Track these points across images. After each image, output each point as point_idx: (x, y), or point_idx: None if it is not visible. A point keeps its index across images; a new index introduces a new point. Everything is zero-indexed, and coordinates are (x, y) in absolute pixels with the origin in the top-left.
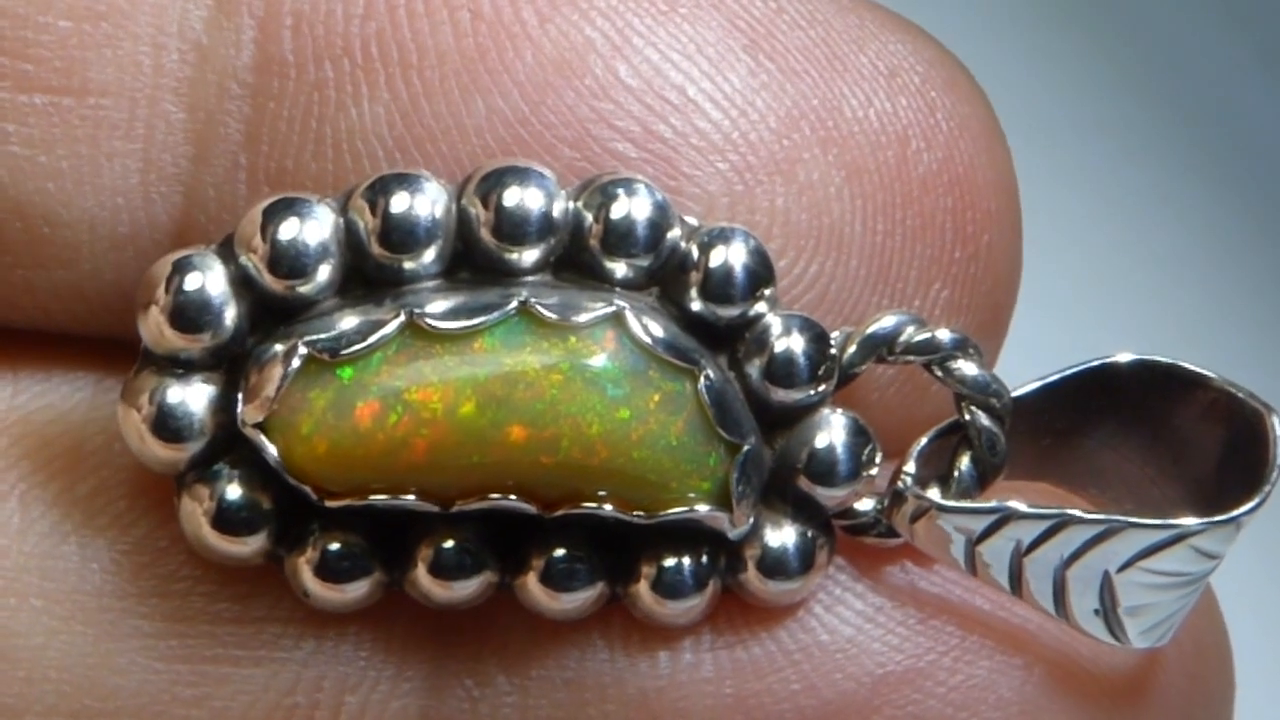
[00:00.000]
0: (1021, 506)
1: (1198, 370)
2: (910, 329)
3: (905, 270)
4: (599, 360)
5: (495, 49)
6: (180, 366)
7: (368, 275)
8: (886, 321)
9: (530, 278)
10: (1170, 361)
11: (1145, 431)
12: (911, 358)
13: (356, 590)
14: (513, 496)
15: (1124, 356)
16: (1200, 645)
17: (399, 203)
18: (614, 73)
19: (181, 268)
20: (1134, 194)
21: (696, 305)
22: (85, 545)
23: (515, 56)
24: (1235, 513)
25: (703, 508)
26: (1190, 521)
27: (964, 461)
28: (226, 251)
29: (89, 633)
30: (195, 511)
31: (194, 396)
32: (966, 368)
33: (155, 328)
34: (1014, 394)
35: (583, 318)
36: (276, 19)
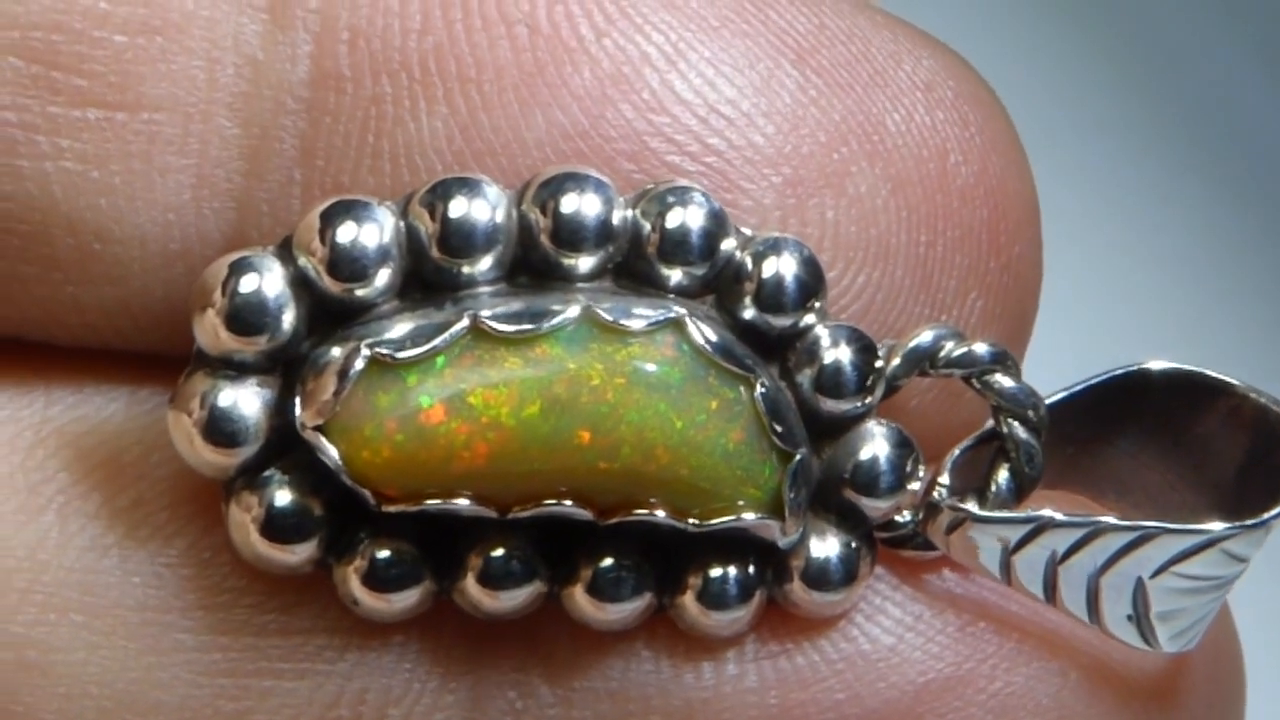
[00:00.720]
0: (1057, 515)
1: (1222, 378)
2: (950, 343)
3: (946, 280)
4: (660, 365)
5: (553, 63)
6: (234, 369)
7: (425, 279)
8: (927, 335)
9: (588, 284)
10: (1197, 370)
11: (1167, 439)
12: (952, 371)
13: (406, 599)
14: (568, 502)
15: (1156, 364)
16: (1216, 647)
17: (458, 207)
18: (669, 86)
19: (239, 269)
20: (1134, 194)
21: (750, 314)
22: (126, 559)
23: (573, 71)
24: (1267, 516)
25: (752, 515)
26: (1222, 527)
27: (1001, 474)
28: (285, 253)
29: (131, 647)
30: (244, 519)
31: (247, 400)
32: (1004, 380)
33: (211, 329)
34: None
35: (643, 323)
36: (333, 33)
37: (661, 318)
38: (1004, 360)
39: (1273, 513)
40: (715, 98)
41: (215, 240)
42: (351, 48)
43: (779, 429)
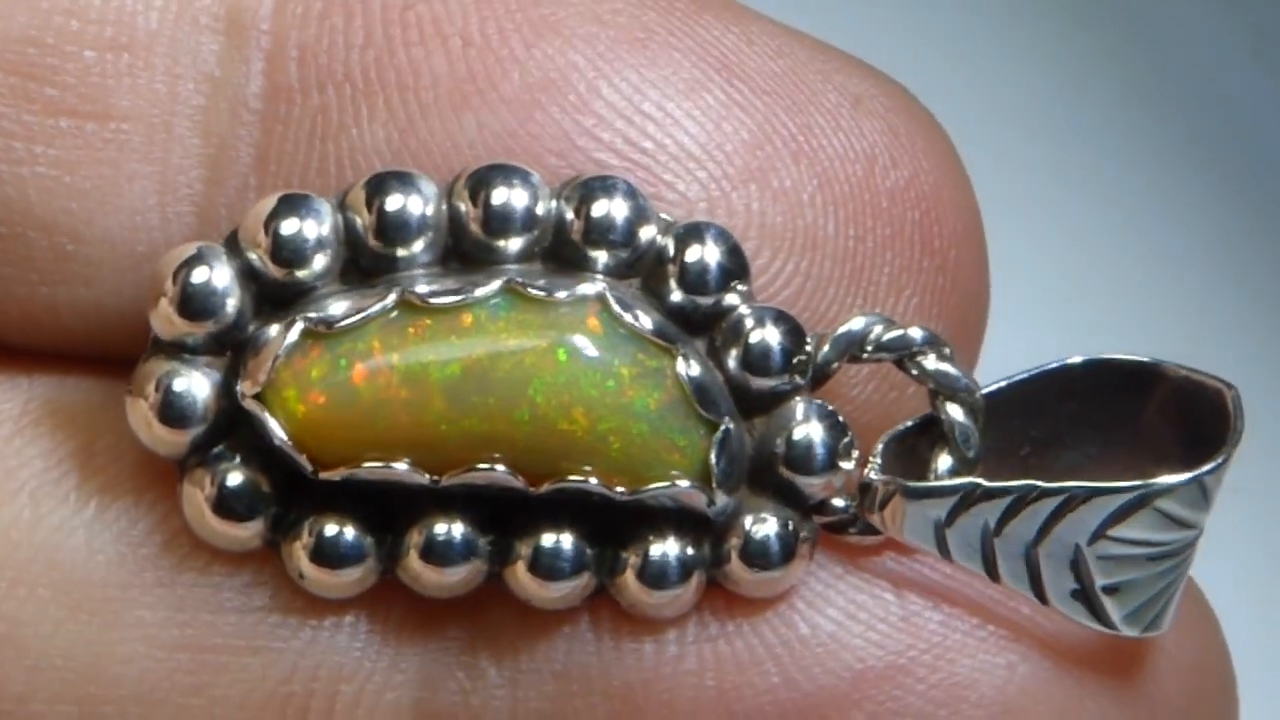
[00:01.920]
0: (982, 481)
1: (1151, 361)
2: (879, 327)
3: (877, 275)
4: (580, 334)
5: (485, 71)
6: (187, 352)
7: (363, 267)
8: (856, 321)
9: (518, 265)
10: (1122, 356)
11: (1117, 431)
12: (883, 355)
13: (350, 575)
14: (500, 468)
15: (1076, 358)
16: (1196, 632)
17: (393, 200)
18: (596, 90)
19: (189, 260)
20: (1131, 193)
21: (675, 295)
22: (93, 538)
23: (503, 77)
24: (1196, 472)
25: (683, 483)
26: (1151, 481)
27: (941, 459)
28: (232, 244)
29: (94, 622)
30: (196, 496)
31: (197, 382)
32: (938, 364)
33: (164, 316)
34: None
35: (565, 294)
36: (283, 50)
37: (584, 290)
38: (937, 344)
39: (1203, 468)
40: (640, 100)
41: (178, 242)
42: (300, 63)
43: (703, 400)
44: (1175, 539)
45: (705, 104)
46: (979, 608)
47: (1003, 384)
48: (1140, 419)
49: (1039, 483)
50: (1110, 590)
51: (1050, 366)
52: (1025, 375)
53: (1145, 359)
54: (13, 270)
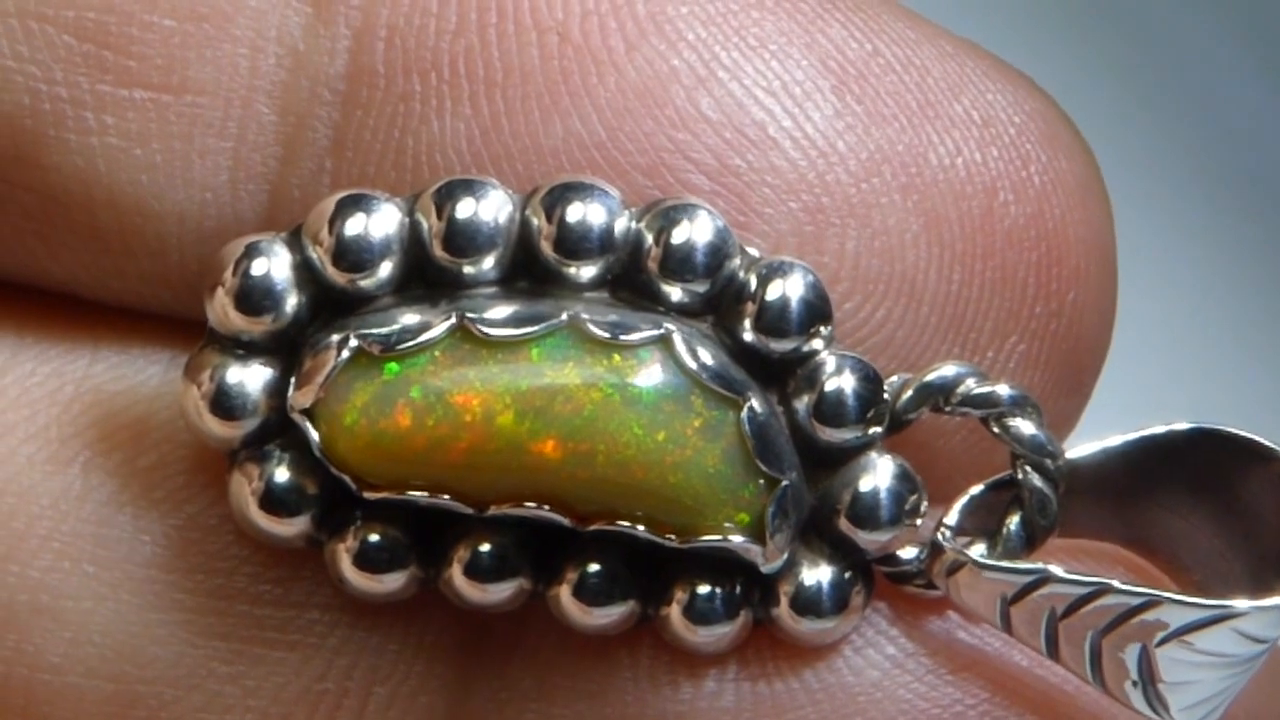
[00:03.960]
0: (1058, 571)
1: (1257, 440)
2: (970, 381)
3: (980, 321)
4: (641, 380)
5: (579, 73)
6: (242, 348)
7: (428, 277)
8: (946, 371)
9: (587, 294)
10: (1228, 431)
11: (1214, 501)
12: (968, 410)
13: (392, 582)
14: (546, 507)
15: (1182, 425)
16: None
17: (464, 208)
18: (695, 104)
19: (249, 253)
20: (1130, 195)
21: (749, 336)
22: (139, 517)
23: (598, 81)
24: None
25: (737, 538)
26: (1232, 603)
27: (1013, 521)
28: (294, 240)
29: (134, 602)
30: (244, 489)
31: (251, 377)
32: (1023, 426)
33: (220, 308)
34: (1069, 455)
35: (630, 337)
36: (371, 30)
37: (649, 334)
38: (1024, 405)
39: None
40: (741, 119)
41: (249, 220)
42: (388, 45)
43: (764, 453)
44: (1246, 653)
45: (812, 125)
46: (1023, 669)
47: (1093, 449)
48: (1242, 494)
49: (1114, 582)
50: (1173, 688)
51: (1151, 433)
52: (1126, 441)
53: (1256, 438)
54: (78, 238)
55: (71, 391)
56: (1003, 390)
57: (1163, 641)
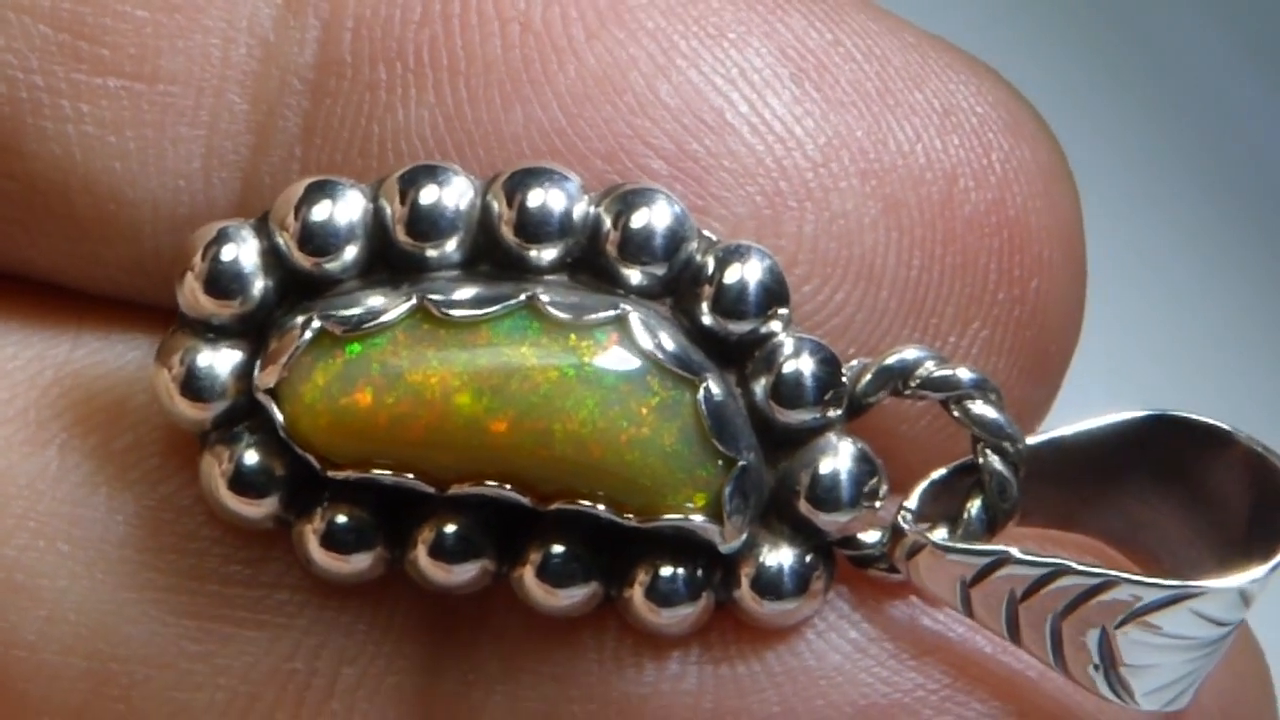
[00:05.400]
0: (1015, 552)
1: (1215, 424)
2: (930, 364)
3: (941, 306)
4: (597, 360)
5: (540, 60)
6: (212, 331)
7: (392, 261)
8: (906, 354)
9: (548, 277)
10: (1185, 416)
11: (1180, 489)
12: (927, 393)
13: (358, 563)
14: (507, 486)
15: (1139, 412)
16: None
17: (427, 194)
18: (654, 91)
19: (218, 238)
20: (1127, 196)
21: (707, 318)
22: (114, 497)
23: (559, 69)
24: (1238, 580)
25: (696, 518)
26: (1189, 583)
27: (975, 504)
28: (262, 226)
29: (108, 581)
30: (214, 470)
31: (221, 360)
32: (983, 409)
33: (190, 292)
34: (1030, 442)
35: (587, 318)
36: (339, 21)
37: (606, 314)
38: (985, 388)
39: (1247, 577)
40: (699, 105)
41: (223, 208)
42: (355, 35)
43: (720, 434)
44: (1208, 635)
45: (770, 112)
46: (987, 655)
47: (1059, 434)
48: (1206, 480)
49: (1071, 562)
50: (1135, 671)
51: (1113, 420)
52: (1086, 427)
53: (1216, 423)
54: (58, 225)
55: (51, 375)
56: (963, 373)
57: (1122, 623)
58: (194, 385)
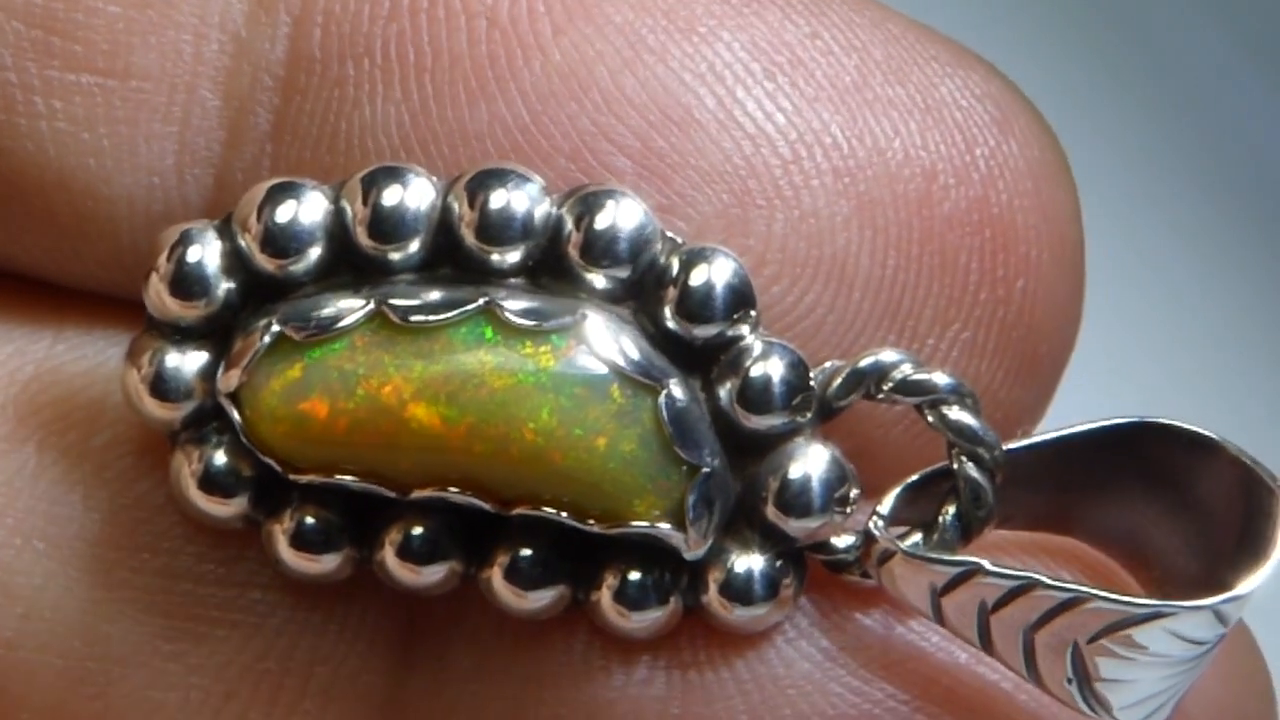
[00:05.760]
0: (986, 564)
1: (1201, 432)
2: (905, 367)
3: (919, 307)
4: (555, 366)
5: (505, 56)
6: (179, 333)
7: (355, 263)
8: (880, 357)
9: (509, 280)
10: (1171, 424)
11: (1168, 496)
12: (901, 397)
13: (327, 563)
14: (468, 492)
15: (1124, 419)
16: (1235, 666)
17: (388, 195)
18: (620, 87)
19: (182, 240)
20: (1126, 196)
21: (672, 323)
22: (90, 496)
23: (524, 65)
24: (1211, 600)
25: (661, 526)
26: (1160, 603)
27: (949, 511)
28: (225, 228)
29: (83, 579)
30: (183, 470)
31: (188, 362)
32: (958, 414)
33: (155, 294)
34: (1014, 446)
35: (546, 324)
36: (309, 16)
37: (564, 320)
38: (961, 393)
39: (1220, 597)
40: (666, 101)
41: (196, 204)
42: (324, 30)
43: (682, 440)
44: (1185, 654)
45: (741, 108)
46: (960, 666)
47: (1045, 438)
48: (1194, 488)
49: (1043, 577)
50: (1110, 686)
51: (1101, 425)
52: (1073, 432)
53: (1203, 431)
54: (36, 222)
55: (31, 371)
56: (938, 378)
57: (1094, 639)
58: (162, 386)
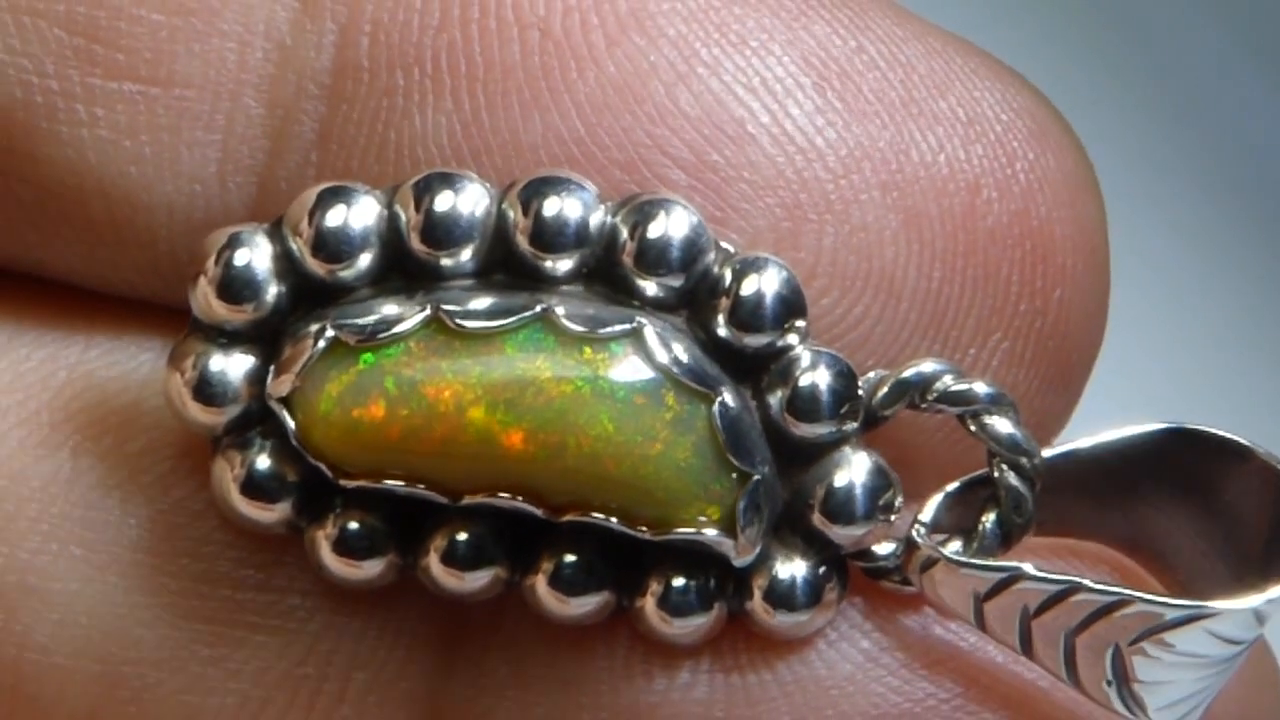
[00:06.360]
0: (1029, 569)
1: (1233, 439)
2: (947, 378)
3: (962, 319)
4: (612, 374)
5: (559, 68)
6: (224, 336)
7: (407, 269)
8: (923, 367)
9: (563, 287)
10: (1203, 430)
11: (1197, 501)
12: (944, 407)
13: (370, 569)
14: (519, 498)
15: (1158, 425)
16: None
17: (442, 201)
18: (674, 100)
19: (231, 243)
20: (1126, 196)
21: (724, 331)
22: (127, 501)
23: (578, 77)
24: (1253, 601)
25: (709, 532)
26: (1204, 604)
27: (989, 518)
28: (275, 231)
29: (120, 584)
30: (226, 475)
31: (233, 366)
32: (999, 424)
33: (203, 297)
34: (1046, 454)
35: (602, 330)
36: (357, 25)
37: (621, 327)
38: (1001, 402)
39: (1263, 597)
40: (719, 115)
41: (238, 213)
42: (372, 40)
43: (735, 448)
44: (1222, 654)
45: (791, 122)
46: (999, 665)
47: (1077, 446)
48: (1224, 494)
49: (1086, 580)
50: (1148, 688)
51: (1131, 432)
52: (1104, 439)
53: (1234, 437)
54: (73, 229)
55: (64, 377)
56: (980, 388)
57: (1135, 641)
58: (206, 390)
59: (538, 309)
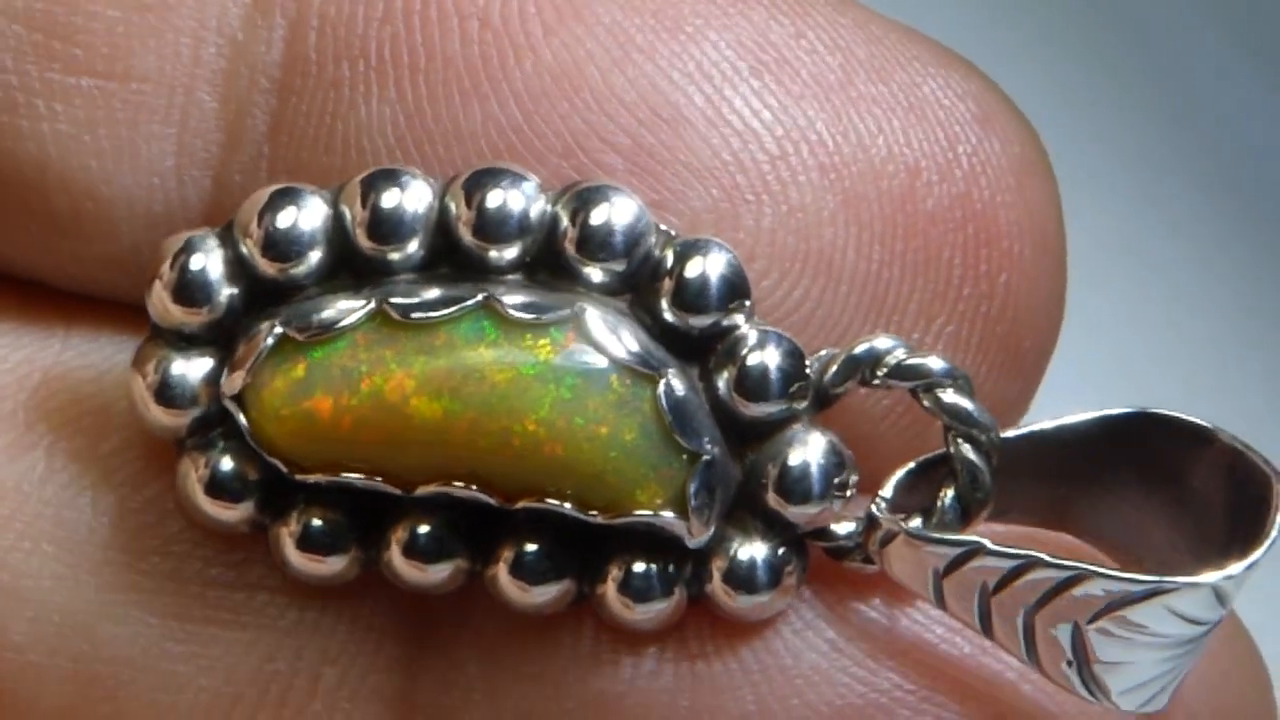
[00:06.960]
0: (987, 543)
1: (1196, 422)
2: (899, 352)
3: (904, 301)
4: (555, 359)
5: (497, 57)
6: (183, 339)
7: (355, 265)
8: (875, 343)
9: (508, 276)
10: (1165, 414)
11: (1166, 490)
12: (896, 382)
13: (334, 564)
14: (473, 487)
15: (1119, 409)
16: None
17: (387, 198)
18: (610, 86)
19: (185, 248)
20: (1126, 196)
21: (669, 314)
22: (99, 499)
23: (515, 65)
24: (1210, 577)
25: (663, 514)
26: (1161, 579)
27: (947, 494)
28: (227, 234)
29: (92, 582)
30: (190, 475)
31: (193, 368)
32: (953, 397)
33: (159, 302)
34: (1009, 435)
35: (545, 317)
36: (305, 20)
37: (563, 313)
38: (954, 377)
39: (1220, 574)
40: (656, 99)
41: (195, 206)
42: (320, 33)
43: (682, 429)
44: (1184, 633)
45: (728, 106)
46: (966, 655)
47: (1039, 428)
48: (1189, 479)
49: (1044, 555)
50: (1109, 669)
51: (1095, 416)
52: (1067, 422)
53: (1198, 421)
54: (37, 224)
55: (40, 377)
56: (933, 362)
57: (1094, 619)
58: (167, 393)
59: (480, 297)
